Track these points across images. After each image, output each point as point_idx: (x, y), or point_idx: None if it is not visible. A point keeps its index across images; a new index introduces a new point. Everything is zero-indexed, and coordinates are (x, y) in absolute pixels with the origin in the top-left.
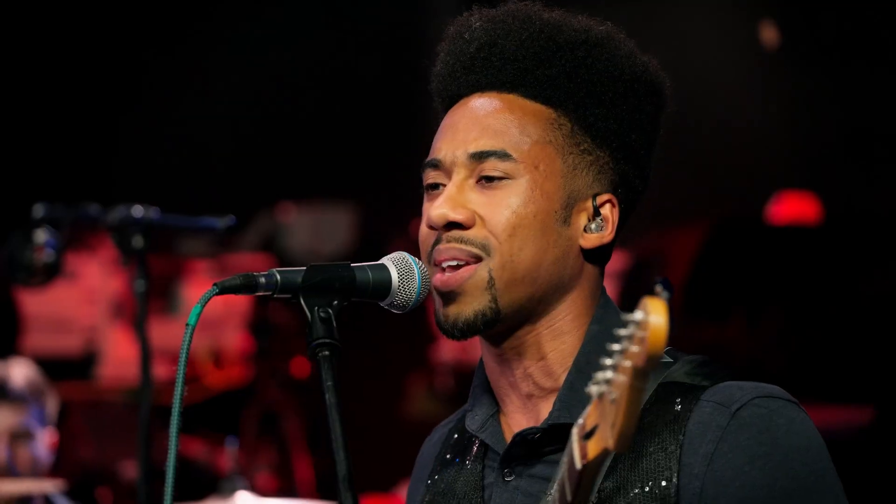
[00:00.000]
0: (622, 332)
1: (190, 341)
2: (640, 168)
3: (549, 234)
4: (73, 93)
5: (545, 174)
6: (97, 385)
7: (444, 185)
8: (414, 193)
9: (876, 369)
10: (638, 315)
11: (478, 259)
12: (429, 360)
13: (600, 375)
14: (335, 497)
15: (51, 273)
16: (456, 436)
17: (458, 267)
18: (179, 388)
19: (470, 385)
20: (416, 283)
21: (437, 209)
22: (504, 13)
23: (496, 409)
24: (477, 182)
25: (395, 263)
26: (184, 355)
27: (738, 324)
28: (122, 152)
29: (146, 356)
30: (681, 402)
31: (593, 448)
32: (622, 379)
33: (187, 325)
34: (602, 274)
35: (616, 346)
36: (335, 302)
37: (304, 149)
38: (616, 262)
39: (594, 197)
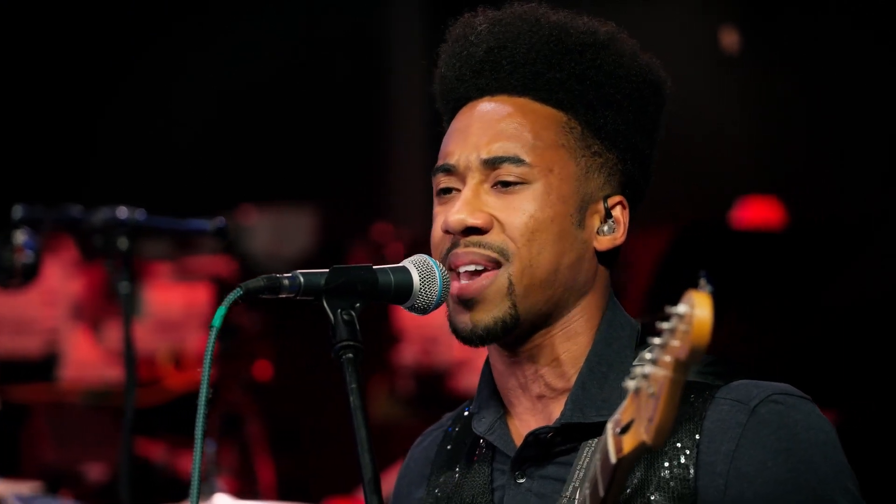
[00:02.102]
0: (664, 325)
1: (214, 344)
2: (644, 169)
3: (566, 237)
4: (44, 99)
5: (560, 177)
6: (58, 387)
7: (457, 190)
8: (375, 197)
9: (839, 374)
10: (682, 308)
11: (497, 264)
12: (390, 362)
13: (638, 370)
14: (297, 499)
15: (29, 275)
16: (453, 439)
17: (476, 273)
18: (204, 391)
19: (431, 388)
20: (437, 285)
21: (454, 214)
22: (510, 16)
23: (503, 411)
24: (492, 186)
25: (417, 266)
26: (208, 358)
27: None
28: (86, 154)
29: (130, 357)
30: (695, 401)
31: (629, 442)
32: (662, 373)
33: (211, 326)
34: (611, 275)
35: (657, 340)
36: (357, 304)
37: (265, 151)
38: None
39: (605, 199)
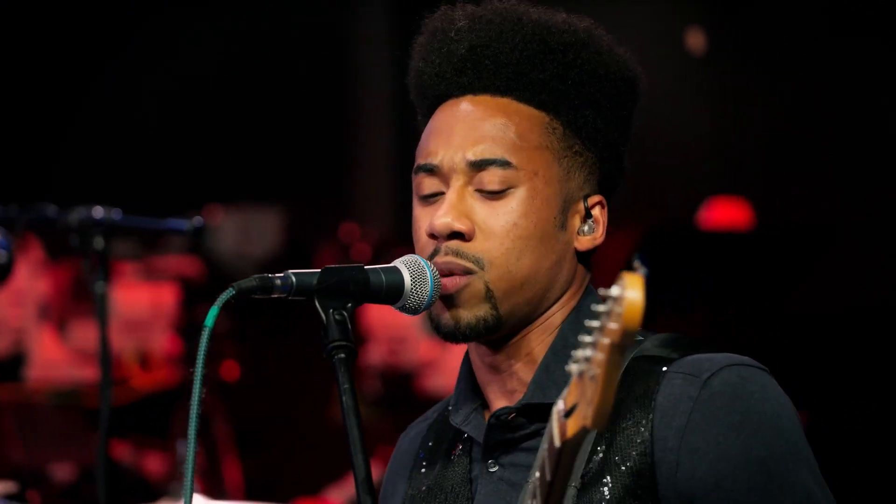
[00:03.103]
0: (601, 308)
1: (207, 344)
2: (619, 165)
3: (548, 241)
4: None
5: (544, 180)
6: (25, 387)
7: (440, 192)
8: (342, 197)
9: (804, 376)
10: (614, 291)
11: (470, 272)
12: (357, 363)
13: (580, 353)
14: (264, 500)
15: (3, 275)
16: (435, 432)
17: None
18: (197, 391)
19: (398, 389)
20: (428, 285)
21: (441, 218)
22: (491, 12)
23: (480, 403)
24: (476, 190)
25: (408, 266)
26: (201, 358)
27: (667, 329)
28: (51, 154)
29: (106, 357)
30: (649, 376)
31: (572, 426)
32: (600, 356)
33: (205, 326)
34: (590, 272)
35: (595, 323)
36: (349, 304)
37: (232, 151)
38: None
39: (585, 198)
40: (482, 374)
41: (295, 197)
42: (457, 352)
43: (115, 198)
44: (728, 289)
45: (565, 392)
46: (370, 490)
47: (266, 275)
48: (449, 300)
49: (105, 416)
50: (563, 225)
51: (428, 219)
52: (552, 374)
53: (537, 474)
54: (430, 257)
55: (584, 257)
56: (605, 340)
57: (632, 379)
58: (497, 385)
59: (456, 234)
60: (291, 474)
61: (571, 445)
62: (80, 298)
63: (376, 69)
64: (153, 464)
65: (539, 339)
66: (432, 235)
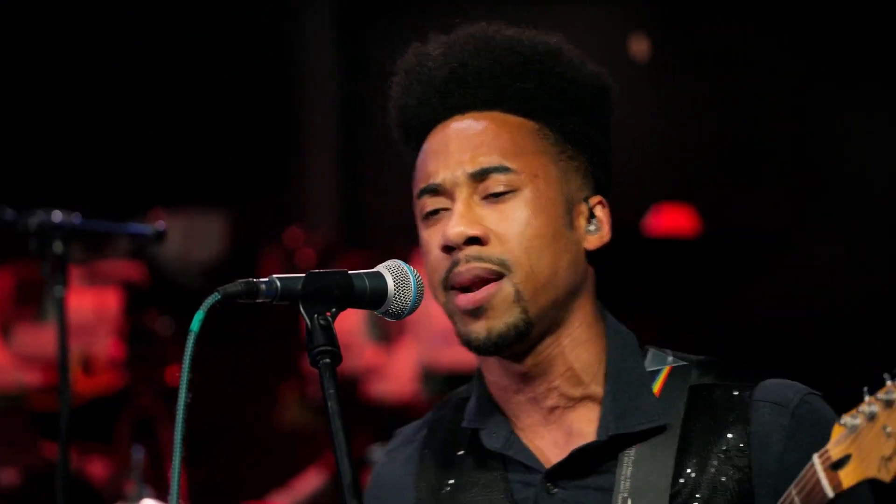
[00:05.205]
0: None
1: (193, 348)
2: (608, 170)
3: (560, 239)
4: None
5: (545, 181)
6: None
7: (445, 209)
8: (286, 202)
9: None
10: None
11: (499, 276)
12: (301, 368)
13: (865, 408)
14: None
15: None
16: (443, 454)
17: (479, 283)
18: (183, 397)
19: (342, 394)
20: (411, 290)
21: (453, 228)
22: (463, 37)
23: (510, 424)
24: (482, 199)
25: (391, 271)
26: (187, 363)
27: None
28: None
29: (64, 361)
30: (735, 405)
31: (849, 478)
32: None
33: (190, 331)
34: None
35: (890, 384)
36: (333, 309)
37: (176, 155)
38: None
39: (586, 199)
40: (508, 394)
41: (239, 202)
42: (402, 359)
43: (59, 201)
44: (673, 295)
45: (830, 445)
46: (357, 494)
47: (251, 279)
48: (475, 311)
49: (65, 420)
50: (570, 224)
51: (437, 236)
52: (621, 402)
53: None
54: (449, 271)
55: (592, 259)
56: None
57: (713, 406)
58: (528, 402)
59: (473, 240)
60: (237, 479)
61: (846, 496)
62: (24, 303)
63: (322, 73)
64: (97, 469)
65: (574, 354)
66: (446, 249)
